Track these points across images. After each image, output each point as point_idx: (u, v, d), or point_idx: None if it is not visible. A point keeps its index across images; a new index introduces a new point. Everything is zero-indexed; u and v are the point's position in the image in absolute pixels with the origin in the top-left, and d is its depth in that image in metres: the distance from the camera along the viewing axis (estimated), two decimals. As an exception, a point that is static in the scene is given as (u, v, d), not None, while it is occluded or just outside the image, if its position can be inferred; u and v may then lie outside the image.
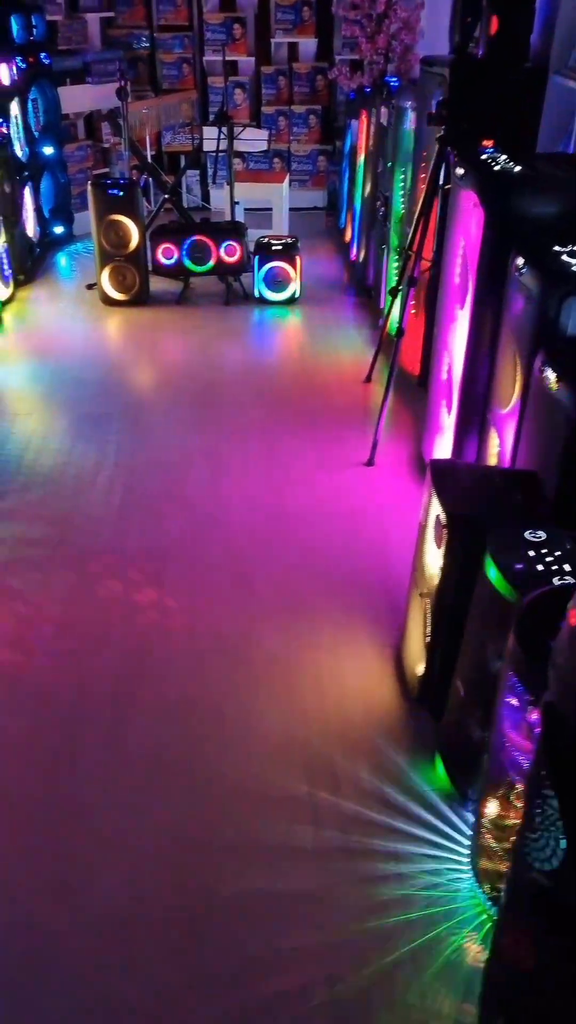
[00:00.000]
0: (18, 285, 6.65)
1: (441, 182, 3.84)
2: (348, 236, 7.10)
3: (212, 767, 2.45)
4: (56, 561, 3.42)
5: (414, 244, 3.93)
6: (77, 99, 7.93)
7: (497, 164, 3.11)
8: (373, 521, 3.61)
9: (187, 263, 6.24)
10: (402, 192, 4.95)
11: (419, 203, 3.96)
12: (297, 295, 6.16)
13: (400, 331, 4.02)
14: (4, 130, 6.20)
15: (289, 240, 6.08)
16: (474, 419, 3.16)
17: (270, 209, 7.29)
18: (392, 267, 5.12)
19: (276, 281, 6.12)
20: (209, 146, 6.69)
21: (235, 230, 6.21)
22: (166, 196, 7.14)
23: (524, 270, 2.62)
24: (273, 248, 6.04)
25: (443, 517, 2.33)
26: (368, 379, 4.92)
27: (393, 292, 4.38)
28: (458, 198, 3.33)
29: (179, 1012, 1.85)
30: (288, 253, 6.04)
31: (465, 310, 3.17)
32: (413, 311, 4.41)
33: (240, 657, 2.87)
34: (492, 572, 1.99)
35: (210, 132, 6.65)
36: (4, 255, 6.19)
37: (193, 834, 2.25)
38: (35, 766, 2.49)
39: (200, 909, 2.06)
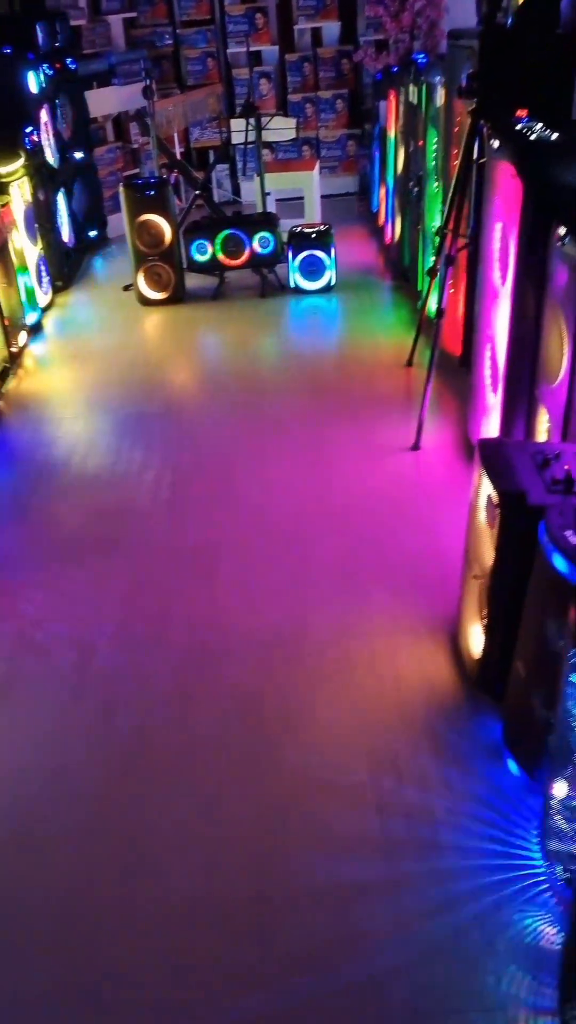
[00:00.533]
0: (56, 291, 6.74)
1: (475, 156, 3.77)
2: (381, 220, 7.03)
3: (276, 757, 2.45)
4: (111, 561, 3.46)
5: (450, 222, 3.87)
6: (104, 102, 8.00)
7: (533, 133, 3.04)
8: (422, 505, 3.58)
9: (221, 258, 6.25)
10: (435, 170, 4.88)
11: (453, 180, 3.89)
12: (333, 282, 6.13)
13: (439, 312, 3.97)
14: (35, 138, 6.28)
15: (322, 228, 6.05)
16: (521, 396, 3.11)
17: (301, 198, 7.25)
18: (428, 248, 5.05)
19: (311, 270, 6.10)
20: (237, 139, 6.69)
21: (267, 221, 6.20)
22: (197, 192, 7.16)
23: (567, 240, 2.56)
24: (306, 237, 6.01)
25: (495, 497, 2.29)
26: (409, 363, 4.87)
27: (431, 273, 4.33)
28: (494, 171, 3.27)
29: (252, 999, 1.86)
30: (322, 241, 6.01)
31: (506, 285, 3.11)
32: (452, 290, 4.35)
33: (297, 647, 2.87)
34: (549, 550, 1.96)
35: (238, 124, 6.64)
36: (41, 263, 6.28)
37: (260, 824, 2.26)
38: (104, 763, 2.52)
39: (270, 897, 2.07)
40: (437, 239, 4.08)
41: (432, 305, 4.28)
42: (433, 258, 4.24)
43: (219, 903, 2.07)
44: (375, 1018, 1.80)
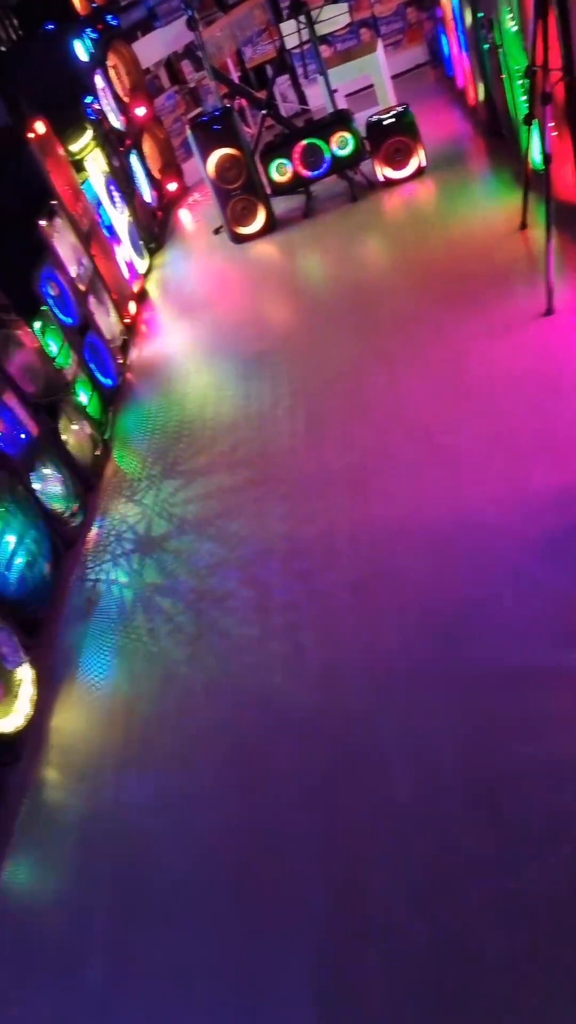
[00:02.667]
0: (152, 253, 6.79)
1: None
2: (461, 82, 6.50)
3: (476, 651, 2.42)
4: (266, 498, 3.51)
5: (537, 57, 3.50)
6: (152, 49, 7.84)
7: None
8: (569, 368, 3.34)
9: (303, 172, 6.02)
10: (508, 7, 4.41)
11: (530, 10, 3.50)
12: (424, 164, 5.75)
13: (546, 159, 3.63)
14: (96, 107, 6.26)
15: (399, 110, 5.67)
16: None
17: (371, 85, 6.82)
18: (518, 94, 4.62)
19: (397, 158, 5.75)
20: (291, 42, 6.35)
21: (341, 120, 5.89)
22: (264, 112, 6.91)
23: None
24: (385, 124, 5.66)
25: None
26: (523, 225, 4.51)
27: (527, 120, 3.96)
28: (577, -19, 2.90)
29: (506, 877, 1.88)
30: (402, 124, 5.63)
31: (617, 106, 2.78)
32: (555, 133, 3.96)
33: (468, 540, 2.79)
34: None
35: (288, 28, 6.30)
36: (132, 229, 6.32)
37: (472, 715, 2.25)
38: (303, 681, 2.61)
39: (497, 780, 2.07)
40: (527, 81, 3.71)
41: (536, 155, 3.93)
42: (527, 103, 3.88)
43: (447, 794, 2.09)
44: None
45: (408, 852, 2.03)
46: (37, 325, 4.12)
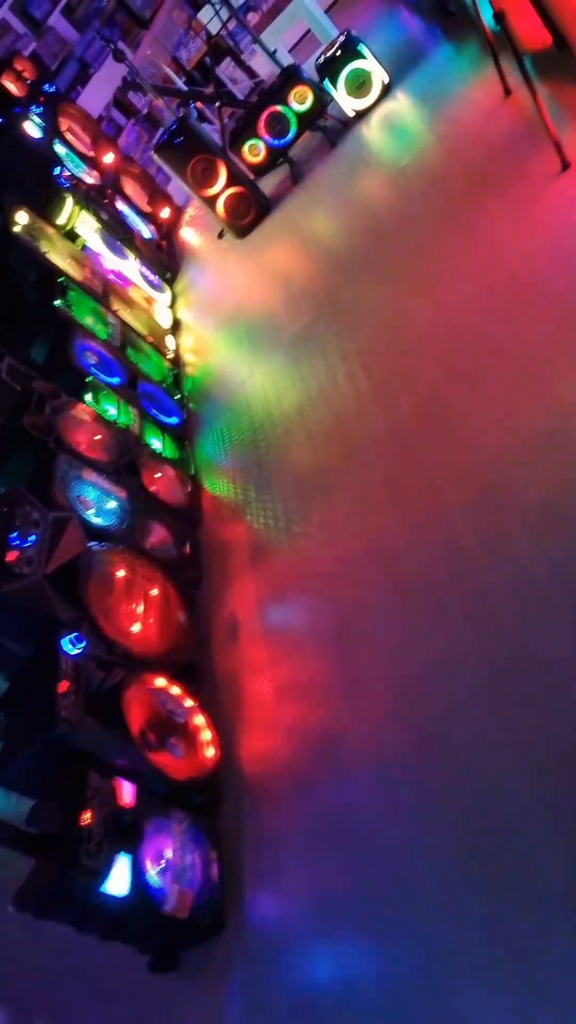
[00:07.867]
0: (170, 283, 6.84)
1: None
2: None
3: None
4: (358, 470, 3.44)
5: None
6: (96, 95, 7.94)
7: None
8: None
9: (274, 144, 5.89)
10: None
11: None
12: (387, 80, 5.47)
13: (499, 17, 3.36)
14: (67, 174, 6.36)
15: (342, 39, 5.43)
16: None
17: (309, 30, 6.60)
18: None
19: (359, 86, 5.51)
20: (215, 27, 6.25)
21: (291, 76, 5.73)
22: (218, 104, 6.83)
23: None
24: (333, 60, 5.44)
25: None
26: (507, 92, 4.19)
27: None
28: None
29: None
30: (350, 52, 5.39)
31: None
32: (499, -16, 3.67)
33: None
34: None
35: (206, 13, 6.20)
36: (143, 268, 6.39)
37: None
38: (459, 635, 2.53)
39: None
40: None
41: (488, 17, 3.65)
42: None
43: None
44: None
45: None
46: (88, 397, 4.23)
